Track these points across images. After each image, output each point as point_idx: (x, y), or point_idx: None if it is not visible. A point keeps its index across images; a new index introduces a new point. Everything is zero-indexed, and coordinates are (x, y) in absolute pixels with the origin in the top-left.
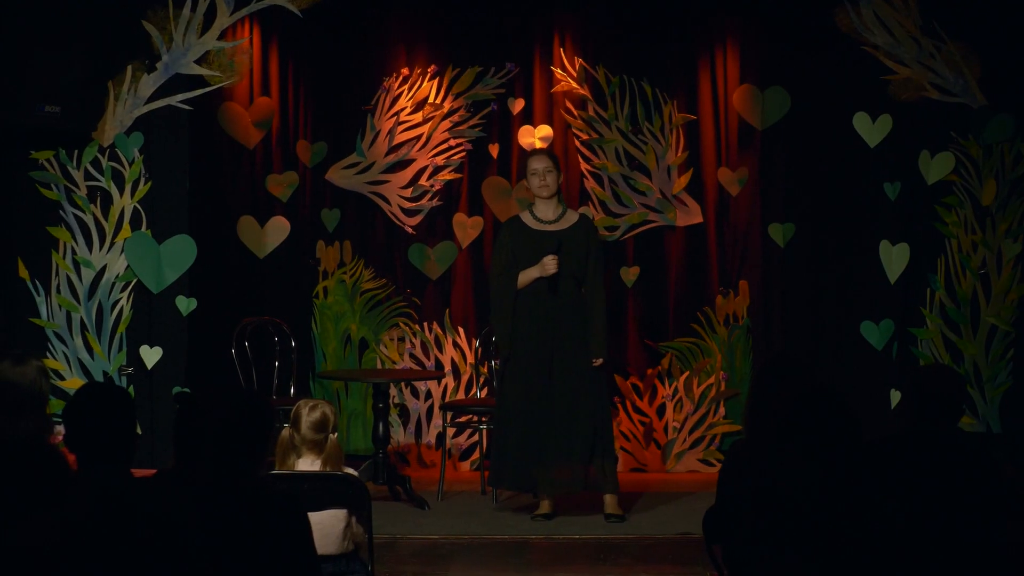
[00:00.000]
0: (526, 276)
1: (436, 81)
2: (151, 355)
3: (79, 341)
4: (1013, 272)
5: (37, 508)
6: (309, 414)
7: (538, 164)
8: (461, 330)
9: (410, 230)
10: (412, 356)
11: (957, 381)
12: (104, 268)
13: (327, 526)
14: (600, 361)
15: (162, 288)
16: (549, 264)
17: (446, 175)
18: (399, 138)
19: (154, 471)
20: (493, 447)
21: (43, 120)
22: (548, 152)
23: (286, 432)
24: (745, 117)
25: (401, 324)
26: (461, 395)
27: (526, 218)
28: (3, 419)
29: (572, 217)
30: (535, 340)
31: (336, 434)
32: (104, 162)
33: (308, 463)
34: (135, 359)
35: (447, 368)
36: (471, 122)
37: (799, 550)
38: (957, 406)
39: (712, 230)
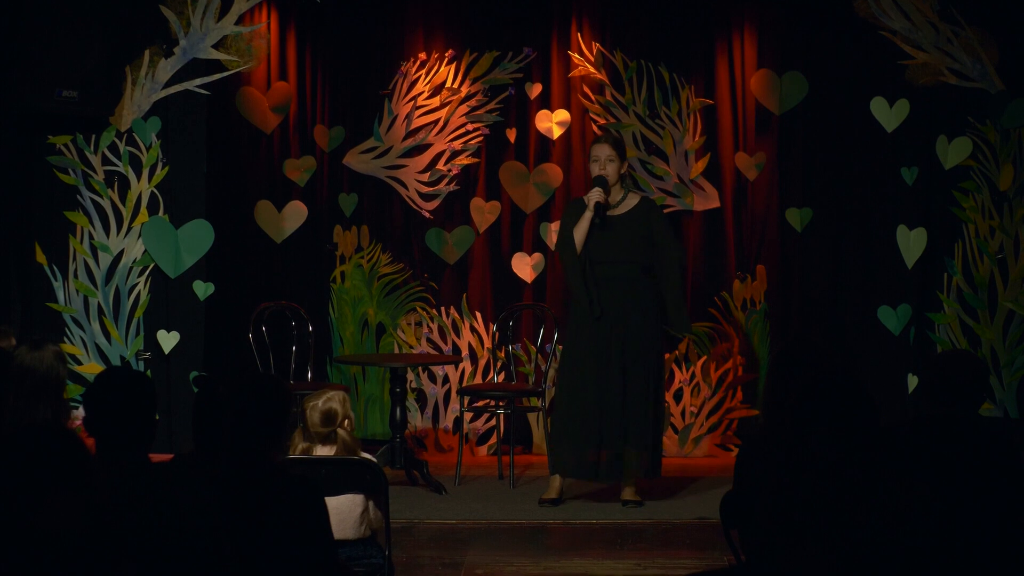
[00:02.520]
0: (579, 228)
1: (453, 65)
2: (168, 340)
3: (96, 326)
4: None
5: (55, 493)
6: (315, 410)
7: (600, 152)
8: (478, 314)
9: (427, 215)
10: (429, 341)
11: (979, 368)
12: (121, 253)
13: (344, 511)
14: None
15: (179, 273)
16: (592, 193)
17: (463, 160)
18: (416, 122)
19: (171, 456)
20: (552, 434)
21: (61, 105)
22: (611, 140)
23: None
24: (763, 102)
25: (418, 309)
26: (478, 380)
27: None
28: (21, 404)
29: (632, 200)
30: (596, 328)
31: (348, 421)
32: (121, 147)
33: (323, 453)
34: (152, 344)
35: (464, 353)
36: (488, 107)
37: (817, 535)
38: (978, 392)
39: (729, 215)
